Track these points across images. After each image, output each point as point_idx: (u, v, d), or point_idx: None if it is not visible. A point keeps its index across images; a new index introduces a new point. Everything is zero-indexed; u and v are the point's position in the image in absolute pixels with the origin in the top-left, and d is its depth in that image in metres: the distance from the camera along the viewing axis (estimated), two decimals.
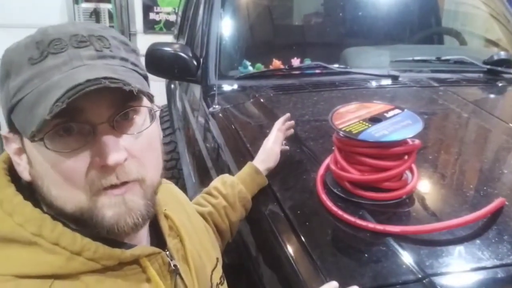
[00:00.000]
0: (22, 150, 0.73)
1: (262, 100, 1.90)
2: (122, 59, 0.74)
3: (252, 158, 1.44)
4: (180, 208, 1.02)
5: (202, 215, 1.19)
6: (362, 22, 2.68)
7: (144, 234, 0.83)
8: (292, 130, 1.49)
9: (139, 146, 0.73)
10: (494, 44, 2.76)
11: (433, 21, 3.01)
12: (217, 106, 1.92)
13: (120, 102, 0.70)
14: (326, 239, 1.09)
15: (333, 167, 1.18)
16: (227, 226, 1.24)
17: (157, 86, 5.50)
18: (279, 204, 1.20)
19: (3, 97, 0.71)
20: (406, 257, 0.96)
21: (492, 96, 2.13)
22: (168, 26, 6.35)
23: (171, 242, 0.89)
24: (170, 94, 4.04)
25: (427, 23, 2.97)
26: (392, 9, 2.69)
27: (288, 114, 1.48)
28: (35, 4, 5.76)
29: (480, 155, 1.44)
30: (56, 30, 0.71)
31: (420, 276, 0.91)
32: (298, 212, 1.17)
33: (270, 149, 1.36)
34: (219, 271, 1.04)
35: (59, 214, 0.72)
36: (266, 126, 1.67)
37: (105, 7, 6.12)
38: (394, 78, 2.08)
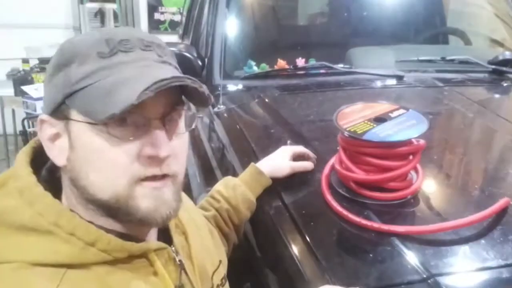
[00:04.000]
0: (58, 136, 0.77)
1: (267, 100, 1.91)
2: (175, 67, 0.83)
3: (256, 158, 1.44)
4: (185, 211, 1.03)
5: (206, 218, 1.20)
6: (367, 22, 2.67)
7: (153, 230, 0.87)
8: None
9: (178, 146, 0.80)
10: (499, 44, 2.76)
11: (438, 21, 3.00)
12: (222, 106, 1.93)
13: (171, 104, 0.78)
14: (331, 239, 1.09)
15: (338, 167, 1.18)
16: (231, 229, 1.25)
17: None
18: (284, 204, 1.20)
19: (58, 82, 0.75)
20: (411, 257, 0.96)
21: (497, 96, 2.13)
22: (173, 26, 6.37)
23: (177, 238, 0.93)
24: None
25: (432, 23, 2.96)
26: (397, 9, 2.69)
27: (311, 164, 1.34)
28: (40, 4, 5.79)
29: (485, 155, 1.43)
30: (123, 32, 0.78)
31: (425, 276, 0.91)
32: (303, 212, 1.17)
33: (282, 167, 1.30)
34: (220, 273, 1.05)
35: (89, 201, 0.76)
36: (271, 126, 1.68)
37: (110, 7, 6.14)
38: (399, 78, 2.08)
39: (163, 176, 0.77)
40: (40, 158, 0.81)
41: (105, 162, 0.74)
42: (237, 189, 1.25)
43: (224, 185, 1.29)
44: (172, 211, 0.79)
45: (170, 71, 0.77)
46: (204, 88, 0.76)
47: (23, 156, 0.80)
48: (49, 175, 0.82)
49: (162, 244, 0.84)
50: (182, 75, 0.75)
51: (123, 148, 0.73)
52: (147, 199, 0.76)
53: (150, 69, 0.75)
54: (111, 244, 0.75)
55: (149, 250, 0.81)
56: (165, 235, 0.91)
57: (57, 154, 0.78)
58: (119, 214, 0.76)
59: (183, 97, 0.80)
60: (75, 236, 0.73)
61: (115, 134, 0.72)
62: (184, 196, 1.12)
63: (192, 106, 0.84)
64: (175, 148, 0.78)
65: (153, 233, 0.87)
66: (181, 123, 0.81)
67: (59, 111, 0.76)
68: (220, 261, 1.08)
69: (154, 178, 0.76)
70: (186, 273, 0.89)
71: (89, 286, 0.72)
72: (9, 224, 0.73)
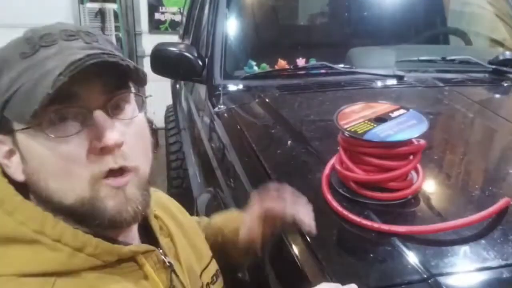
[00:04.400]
0: (12, 152, 0.74)
1: (267, 100, 1.91)
2: (110, 52, 0.75)
3: (257, 158, 1.44)
4: (166, 213, 1.02)
5: None
6: (367, 22, 2.67)
7: (135, 234, 0.85)
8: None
9: (131, 134, 0.75)
10: (500, 44, 2.76)
11: (438, 21, 3.00)
12: (222, 106, 1.93)
13: (111, 90, 0.73)
14: (331, 239, 1.09)
15: (338, 167, 1.18)
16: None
17: (163, 86, 5.53)
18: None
19: None
20: (412, 257, 0.96)
21: (497, 96, 2.13)
22: (173, 26, 6.35)
23: (163, 240, 0.91)
24: (175, 94, 4.04)
25: (433, 23, 2.96)
26: (397, 9, 2.69)
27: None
28: (41, 4, 5.78)
29: (485, 155, 1.44)
30: (45, 27, 0.73)
31: (425, 276, 0.91)
32: None
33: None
34: (210, 271, 1.04)
35: (58, 210, 0.72)
36: (272, 126, 1.68)
37: (110, 7, 6.13)
38: (399, 78, 2.08)
39: (123, 172, 0.73)
40: None
41: (57, 168, 0.70)
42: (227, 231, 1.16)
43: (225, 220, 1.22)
44: (140, 206, 0.75)
45: (96, 50, 0.71)
46: (128, 62, 0.70)
47: None
48: (23, 187, 0.77)
49: (150, 247, 0.82)
50: (101, 51, 0.69)
51: (69, 148, 0.69)
52: (111, 200, 0.72)
53: (74, 56, 0.68)
54: (99, 248, 0.72)
55: (137, 252, 0.79)
56: (150, 239, 0.88)
57: (14, 170, 0.74)
58: (87, 218, 0.73)
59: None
60: (61, 242, 0.70)
61: (54, 134, 0.68)
62: (165, 197, 1.09)
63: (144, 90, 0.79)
64: (127, 136, 0.74)
65: (136, 237, 0.84)
66: (130, 108, 0.76)
67: (3, 125, 0.72)
68: (212, 258, 1.06)
69: (113, 173, 0.72)
70: (176, 274, 0.87)
71: None
72: None
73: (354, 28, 2.73)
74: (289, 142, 1.45)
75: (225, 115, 1.89)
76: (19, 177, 0.74)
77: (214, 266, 1.06)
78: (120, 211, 0.73)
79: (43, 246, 0.70)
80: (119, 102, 0.74)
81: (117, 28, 6.18)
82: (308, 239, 1.06)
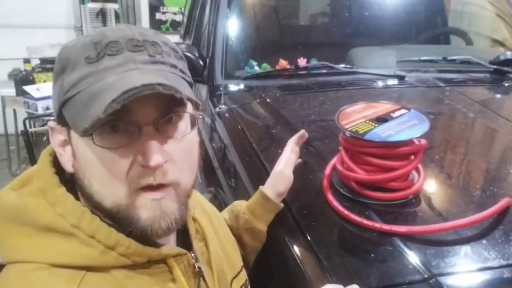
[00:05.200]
0: (67, 142, 0.77)
1: (268, 100, 1.91)
2: (172, 65, 0.78)
3: (258, 158, 1.44)
4: (205, 215, 1.02)
5: None
6: (368, 22, 2.67)
7: (172, 235, 0.86)
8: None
9: (179, 151, 0.76)
10: (501, 44, 2.76)
11: (439, 21, 3.00)
12: (223, 106, 1.93)
13: (165, 106, 0.73)
14: (333, 239, 1.09)
15: (339, 167, 1.18)
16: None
17: None
18: (286, 204, 1.20)
19: (56, 90, 0.75)
20: (413, 257, 0.96)
21: (498, 96, 2.13)
22: (174, 26, 6.38)
23: (196, 244, 0.92)
24: None
25: (434, 23, 2.96)
26: (398, 9, 2.69)
27: (303, 131, 1.30)
28: (42, 4, 5.80)
29: (486, 155, 1.43)
30: (114, 33, 0.74)
31: (426, 276, 0.91)
32: (305, 212, 1.17)
33: (279, 173, 1.19)
34: (240, 280, 1.04)
35: (97, 208, 0.75)
36: (273, 126, 1.68)
37: (111, 7, 6.15)
38: (401, 78, 2.08)
39: (162, 186, 0.74)
40: None
41: (101, 172, 0.72)
42: (240, 219, 1.17)
43: (230, 211, 1.22)
44: (174, 222, 0.76)
45: (153, 75, 0.71)
46: (184, 93, 0.70)
47: (46, 155, 0.80)
48: (71, 177, 0.80)
49: (182, 250, 0.83)
50: (157, 81, 0.68)
51: (114, 158, 0.71)
52: (146, 211, 0.74)
53: (133, 74, 0.70)
54: (131, 248, 0.74)
55: (168, 255, 0.80)
56: (184, 240, 0.89)
57: (66, 161, 0.77)
58: (121, 224, 0.74)
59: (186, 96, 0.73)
60: (95, 238, 0.72)
61: (103, 145, 0.70)
62: (204, 200, 1.11)
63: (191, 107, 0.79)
64: (174, 154, 0.75)
65: (172, 238, 0.86)
66: (182, 125, 0.77)
67: (60, 118, 0.75)
68: (242, 267, 1.07)
69: (151, 188, 0.74)
70: (204, 280, 0.88)
71: None
72: (31, 224, 0.73)
73: (355, 28, 2.73)
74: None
75: (226, 115, 1.89)
76: (69, 168, 0.77)
77: (244, 276, 1.06)
78: (153, 224, 0.74)
79: (77, 240, 0.72)
80: (172, 117, 0.75)
81: None
82: (310, 239, 1.06)
